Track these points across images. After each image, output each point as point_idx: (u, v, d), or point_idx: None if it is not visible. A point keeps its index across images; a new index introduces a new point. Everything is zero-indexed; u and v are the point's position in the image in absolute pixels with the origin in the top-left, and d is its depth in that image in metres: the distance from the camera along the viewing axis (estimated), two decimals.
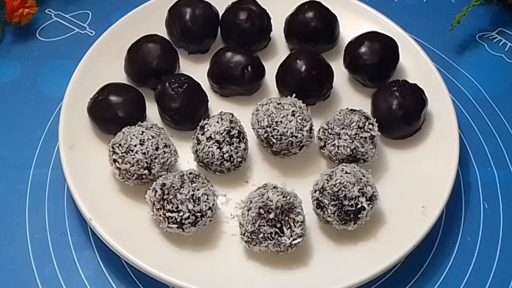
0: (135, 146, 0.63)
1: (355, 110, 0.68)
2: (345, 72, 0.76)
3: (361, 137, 0.66)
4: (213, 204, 0.62)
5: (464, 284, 0.65)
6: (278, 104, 0.66)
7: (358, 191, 0.61)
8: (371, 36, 0.74)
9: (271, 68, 0.74)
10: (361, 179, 0.62)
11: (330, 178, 0.62)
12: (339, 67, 0.75)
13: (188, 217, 0.60)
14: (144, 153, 0.63)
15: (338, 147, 0.66)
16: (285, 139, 0.66)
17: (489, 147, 0.75)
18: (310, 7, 0.76)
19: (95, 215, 0.63)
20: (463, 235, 0.69)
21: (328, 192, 0.62)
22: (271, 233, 0.60)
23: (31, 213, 0.68)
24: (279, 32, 0.78)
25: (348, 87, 0.76)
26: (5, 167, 0.71)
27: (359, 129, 0.66)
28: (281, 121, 0.65)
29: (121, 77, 0.74)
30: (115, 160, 0.64)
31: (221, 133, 0.65)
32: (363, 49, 0.73)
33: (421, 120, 0.71)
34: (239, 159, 0.66)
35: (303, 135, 0.66)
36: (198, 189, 0.61)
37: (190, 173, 0.63)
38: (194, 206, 0.61)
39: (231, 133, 0.66)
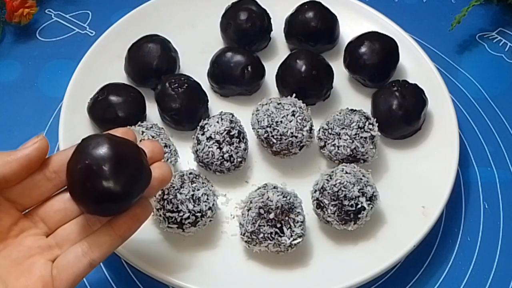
0: None
1: (355, 110, 0.68)
2: (345, 72, 0.76)
3: (361, 137, 0.66)
4: (213, 204, 0.62)
5: (464, 284, 0.65)
6: (278, 104, 0.66)
7: (358, 191, 0.61)
8: (371, 36, 0.74)
9: (271, 68, 0.74)
10: (361, 179, 0.62)
11: (330, 178, 0.62)
12: (339, 67, 0.75)
13: (188, 217, 0.60)
14: None
15: (338, 147, 0.66)
16: (285, 139, 0.65)
17: (489, 147, 0.75)
18: (310, 7, 0.76)
19: None
20: (463, 235, 0.69)
21: (328, 192, 0.62)
22: (271, 233, 0.60)
23: None
24: (279, 32, 0.78)
25: (348, 87, 0.76)
26: None
27: (359, 129, 0.66)
28: (281, 121, 0.65)
29: (121, 77, 0.74)
30: None
31: (221, 133, 0.65)
32: (363, 49, 0.73)
33: (421, 120, 0.71)
34: (239, 159, 0.66)
35: (303, 135, 0.66)
36: (198, 189, 0.61)
37: (190, 173, 0.63)
38: (194, 206, 0.61)
39: (231, 133, 0.66)
